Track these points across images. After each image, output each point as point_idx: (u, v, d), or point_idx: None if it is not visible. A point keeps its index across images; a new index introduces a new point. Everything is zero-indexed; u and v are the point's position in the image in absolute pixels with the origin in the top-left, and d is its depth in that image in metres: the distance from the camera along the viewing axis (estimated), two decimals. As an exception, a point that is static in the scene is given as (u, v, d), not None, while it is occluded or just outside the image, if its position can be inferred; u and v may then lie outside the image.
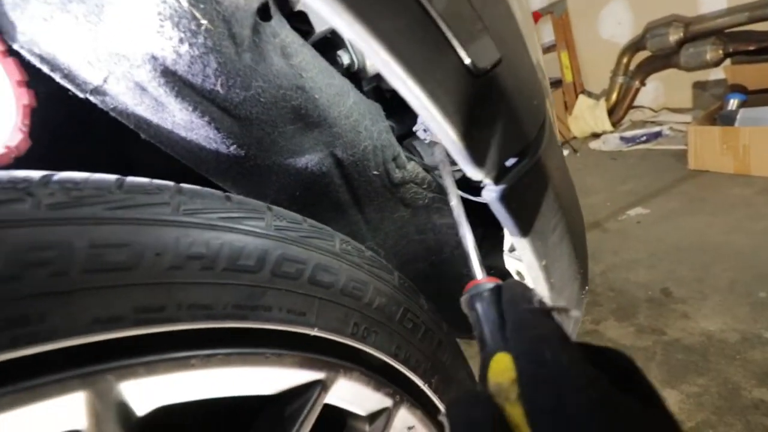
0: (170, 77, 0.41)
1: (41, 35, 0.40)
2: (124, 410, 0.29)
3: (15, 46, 0.41)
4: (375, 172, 0.58)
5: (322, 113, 0.49)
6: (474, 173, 0.32)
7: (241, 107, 0.45)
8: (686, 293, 1.66)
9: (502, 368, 0.25)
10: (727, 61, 2.19)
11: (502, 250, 0.85)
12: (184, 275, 0.32)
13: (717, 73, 2.33)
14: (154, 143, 0.48)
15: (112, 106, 0.45)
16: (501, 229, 0.83)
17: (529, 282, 0.49)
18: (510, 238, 0.50)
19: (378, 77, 0.57)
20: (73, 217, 0.28)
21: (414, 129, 0.54)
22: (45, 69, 0.42)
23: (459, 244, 0.71)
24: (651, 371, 1.37)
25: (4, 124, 0.40)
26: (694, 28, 2.25)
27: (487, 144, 0.31)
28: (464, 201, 0.72)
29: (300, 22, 0.48)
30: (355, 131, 0.53)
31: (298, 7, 0.46)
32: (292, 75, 0.45)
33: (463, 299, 0.34)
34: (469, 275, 0.71)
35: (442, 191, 0.67)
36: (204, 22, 0.38)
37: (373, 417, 0.47)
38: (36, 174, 0.29)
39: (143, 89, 0.43)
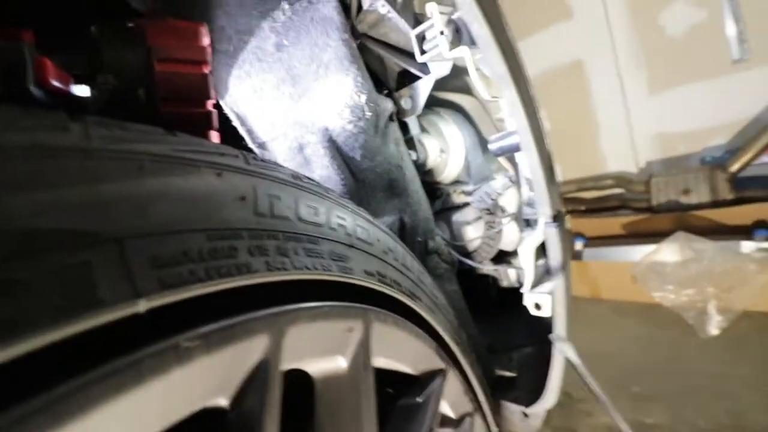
0: (330, 144, 0.58)
1: (245, 99, 0.55)
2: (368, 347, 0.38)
3: (221, 102, 0.54)
4: (419, 239, 0.77)
5: (405, 186, 0.69)
6: (548, 212, 0.55)
7: (364, 172, 0.63)
8: (583, 394, 1.96)
9: None
10: (568, 216, 3.08)
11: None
12: (389, 259, 0.45)
13: (564, 225, 3.22)
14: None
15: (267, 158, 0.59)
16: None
17: (548, 308, 0.68)
18: (531, 278, 0.71)
19: (425, 173, 0.81)
20: (346, 206, 0.41)
21: (470, 201, 0.76)
22: (235, 123, 0.56)
23: (464, 310, 0.88)
24: (576, 463, 1.54)
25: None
26: (544, 193, 3.17)
27: (555, 198, 0.55)
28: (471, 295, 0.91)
29: (403, 127, 0.71)
30: (418, 203, 0.73)
31: (405, 119, 0.70)
32: (397, 157, 0.66)
33: None
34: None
35: (453, 264, 0.88)
36: (368, 114, 0.58)
37: (459, 422, 0.55)
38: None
39: (301, 149, 0.58)
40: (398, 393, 0.49)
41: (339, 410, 0.35)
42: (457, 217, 0.93)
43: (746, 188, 2.33)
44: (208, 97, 0.39)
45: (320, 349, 0.32)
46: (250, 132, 0.57)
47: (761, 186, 2.32)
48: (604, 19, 2.99)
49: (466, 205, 0.91)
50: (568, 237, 0.60)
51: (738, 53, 2.51)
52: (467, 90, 0.91)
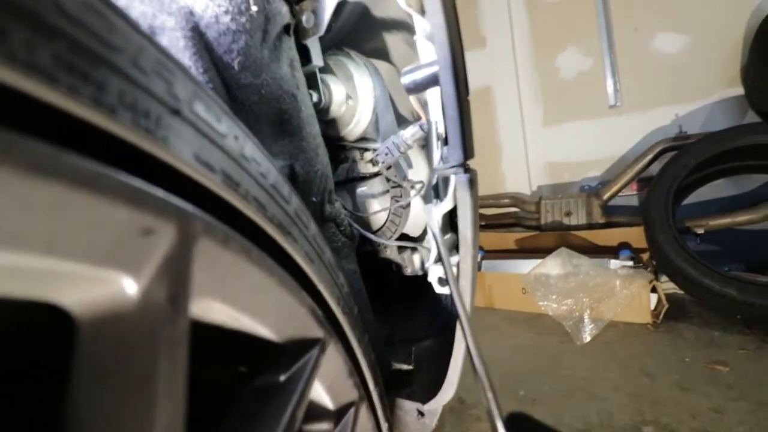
0: (196, 35, 0.43)
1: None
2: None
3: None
4: (314, 199, 0.64)
5: (299, 125, 0.55)
6: (459, 159, 0.46)
7: (244, 90, 0.48)
8: (474, 399, 1.98)
9: None
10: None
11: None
12: (251, 168, 0.31)
13: (465, 238, 3.36)
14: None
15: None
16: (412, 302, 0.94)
17: (451, 278, 0.59)
18: (435, 251, 0.62)
19: (327, 123, 0.68)
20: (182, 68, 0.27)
21: (376, 156, 0.65)
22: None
23: (361, 292, 0.77)
24: (466, 467, 1.51)
25: None
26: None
27: (469, 144, 0.47)
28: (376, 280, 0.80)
29: (302, 54, 0.58)
30: (315, 152, 0.60)
31: (305, 41, 0.56)
32: (292, 83, 0.52)
33: None
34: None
35: (353, 238, 0.76)
36: (254, 8, 0.44)
37: (339, 415, 0.42)
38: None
39: (152, 34, 0.42)
40: (254, 371, 0.35)
41: (114, 373, 0.19)
42: (363, 188, 0.82)
43: (614, 214, 2.67)
44: None
45: (74, 253, 0.17)
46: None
47: (626, 213, 2.68)
48: (511, 53, 3.26)
49: (374, 176, 0.81)
50: (477, 197, 0.53)
51: (613, 100, 2.91)
52: (383, 54, 0.82)
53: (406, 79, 0.49)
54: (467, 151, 0.46)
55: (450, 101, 0.43)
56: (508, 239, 2.92)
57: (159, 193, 0.20)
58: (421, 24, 0.45)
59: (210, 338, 0.29)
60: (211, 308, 0.26)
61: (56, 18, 0.17)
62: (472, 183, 0.49)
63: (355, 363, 0.46)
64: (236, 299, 0.28)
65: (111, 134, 0.19)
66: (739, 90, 2.25)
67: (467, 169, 0.49)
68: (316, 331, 0.37)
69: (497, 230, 3.09)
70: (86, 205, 0.17)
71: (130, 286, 0.20)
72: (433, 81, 0.46)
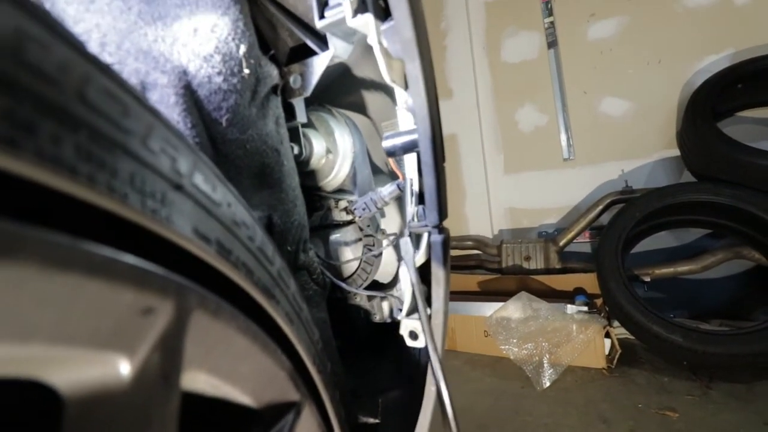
0: (187, 93, 0.44)
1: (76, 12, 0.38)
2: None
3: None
4: (289, 248, 0.64)
5: (280, 178, 0.57)
6: (435, 221, 0.49)
7: (230, 144, 0.49)
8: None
9: None
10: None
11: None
12: (242, 234, 0.32)
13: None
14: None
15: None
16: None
17: (425, 332, 0.60)
18: (409, 301, 0.63)
19: (306, 175, 0.70)
20: (182, 138, 0.28)
21: (354, 209, 0.66)
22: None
23: (330, 342, 0.76)
24: None
25: None
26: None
27: (443, 205, 0.50)
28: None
29: (287, 111, 0.60)
30: (293, 204, 0.61)
31: (291, 100, 0.59)
32: (276, 139, 0.54)
33: None
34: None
35: (325, 286, 0.76)
36: (246, 71, 0.47)
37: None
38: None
39: (144, 90, 0.43)
40: (225, 439, 0.34)
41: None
42: (336, 236, 0.83)
43: (570, 260, 2.82)
44: None
45: (73, 336, 0.17)
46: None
47: (580, 260, 2.83)
48: (475, 105, 3.49)
49: (347, 224, 0.82)
50: (449, 254, 0.56)
51: (567, 154, 3.15)
52: (360, 108, 0.87)
53: (387, 144, 0.52)
54: (442, 213, 0.49)
55: (428, 169, 0.47)
56: (470, 281, 2.99)
57: (161, 271, 0.21)
58: (403, 96, 0.49)
59: (186, 406, 0.29)
60: (196, 379, 0.26)
61: (79, 108, 0.18)
62: (446, 243, 0.52)
63: (326, 423, 0.45)
64: (221, 368, 0.27)
65: (120, 217, 0.19)
66: (676, 152, 2.51)
67: (441, 230, 0.52)
68: (292, 394, 0.37)
69: (461, 272, 3.16)
70: (96, 292, 0.17)
71: (123, 367, 0.20)
72: (412, 147, 0.49)
